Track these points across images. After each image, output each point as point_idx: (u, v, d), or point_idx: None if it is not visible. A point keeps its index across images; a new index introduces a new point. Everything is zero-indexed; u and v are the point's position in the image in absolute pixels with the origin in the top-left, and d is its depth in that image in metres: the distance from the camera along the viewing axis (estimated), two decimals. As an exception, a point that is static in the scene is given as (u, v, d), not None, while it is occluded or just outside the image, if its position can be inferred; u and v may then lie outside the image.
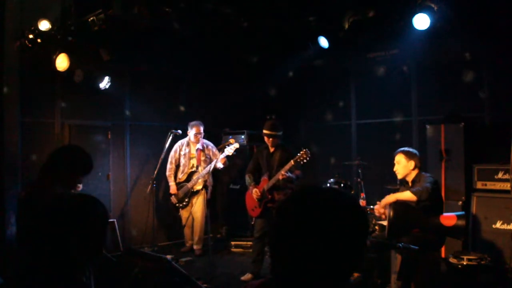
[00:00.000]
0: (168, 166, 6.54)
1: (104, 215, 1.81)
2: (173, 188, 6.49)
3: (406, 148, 4.44)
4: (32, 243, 1.81)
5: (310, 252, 1.12)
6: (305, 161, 4.92)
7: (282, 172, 4.98)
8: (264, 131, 5.27)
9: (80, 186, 3.29)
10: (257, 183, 5.38)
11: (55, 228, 1.68)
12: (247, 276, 5.32)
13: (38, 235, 1.73)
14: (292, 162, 4.93)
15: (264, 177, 5.31)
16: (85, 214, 1.73)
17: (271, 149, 5.33)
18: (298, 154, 4.92)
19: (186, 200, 6.44)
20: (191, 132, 6.42)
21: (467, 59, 5.86)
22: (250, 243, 6.61)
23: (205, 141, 6.62)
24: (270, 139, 5.23)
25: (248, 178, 5.44)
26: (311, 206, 1.16)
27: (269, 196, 5.19)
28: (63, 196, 2.23)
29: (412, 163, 4.32)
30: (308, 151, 4.92)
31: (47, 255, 1.67)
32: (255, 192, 5.26)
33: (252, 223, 5.41)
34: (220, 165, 6.25)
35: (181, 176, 6.51)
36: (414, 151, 4.41)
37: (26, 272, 1.89)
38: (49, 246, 1.67)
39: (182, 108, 7.47)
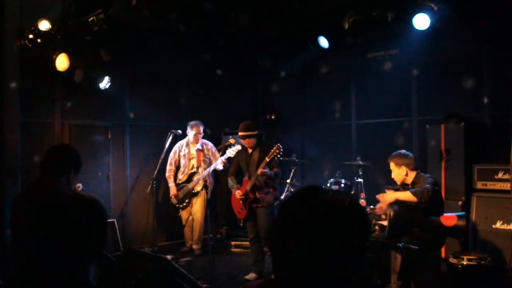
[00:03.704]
0: (168, 167, 6.53)
1: (104, 215, 1.82)
2: (173, 190, 6.48)
3: (395, 153, 4.35)
4: (33, 243, 1.80)
5: (311, 253, 1.12)
6: (278, 156, 4.98)
7: (260, 169, 5.02)
8: (239, 133, 5.31)
9: (80, 186, 3.30)
10: (240, 185, 5.42)
11: (56, 228, 1.68)
12: (251, 275, 5.34)
13: (39, 234, 1.73)
14: (266, 159, 4.98)
15: (245, 178, 5.35)
16: (86, 214, 1.73)
17: (250, 150, 5.36)
18: (271, 151, 4.97)
19: (187, 201, 6.44)
20: (191, 132, 6.40)
21: (467, 59, 5.86)
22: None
23: (204, 140, 6.60)
24: (246, 139, 5.28)
25: (230, 181, 5.48)
26: (313, 206, 1.16)
27: (252, 196, 5.21)
28: (65, 195, 2.23)
29: (403, 169, 4.27)
30: (280, 146, 4.98)
31: (48, 255, 1.67)
32: (238, 193, 5.29)
33: (241, 224, 5.43)
34: (220, 167, 6.25)
35: (182, 177, 6.50)
36: (404, 154, 4.32)
37: (26, 273, 1.89)
38: (50, 245, 1.67)
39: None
